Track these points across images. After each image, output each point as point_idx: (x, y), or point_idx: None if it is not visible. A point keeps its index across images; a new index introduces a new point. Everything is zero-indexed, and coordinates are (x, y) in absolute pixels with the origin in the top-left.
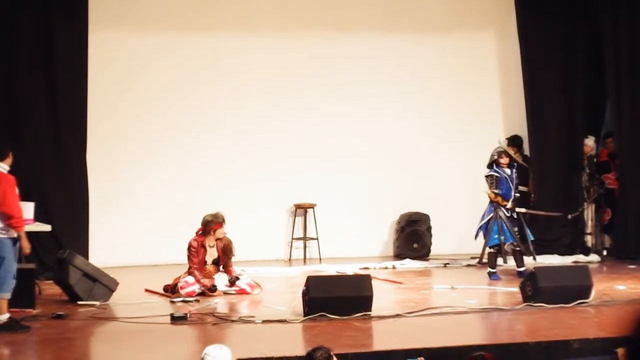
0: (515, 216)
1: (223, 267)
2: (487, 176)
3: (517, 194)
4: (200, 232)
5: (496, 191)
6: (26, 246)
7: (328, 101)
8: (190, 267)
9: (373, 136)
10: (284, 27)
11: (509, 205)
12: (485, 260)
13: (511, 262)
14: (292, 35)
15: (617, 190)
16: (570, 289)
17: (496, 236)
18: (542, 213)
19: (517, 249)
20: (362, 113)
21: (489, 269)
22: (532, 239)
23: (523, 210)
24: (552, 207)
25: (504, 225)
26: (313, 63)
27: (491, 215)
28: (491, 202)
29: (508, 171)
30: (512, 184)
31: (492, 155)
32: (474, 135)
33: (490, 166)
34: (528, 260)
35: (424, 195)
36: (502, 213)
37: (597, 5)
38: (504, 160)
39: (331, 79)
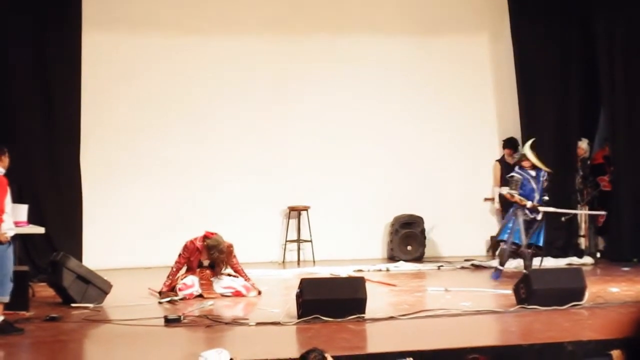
0: (539, 218)
1: (233, 270)
2: (509, 177)
3: (546, 197)
4: (204, 244)
5: (513, 192)
6: None
7: (322, 104)
8: (176, 263)
9: (367, 139)
10: (277, 30)
11: (529, 205)
12: (496, 254)
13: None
14: (287, 39)
15: (612, 192)
16: (564, 291)
17: (508, 232)
18: (564, 211)
19: (528, 250)
20: (356, 116)
21: (497, 265)
22: (532, 242)
23: (551, 209)
24: None
25: (518, 225)
26: (308, 66)
27: (511, 213)
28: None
29: (533, 172)
30: (537, 185)
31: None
32: (468, 138)
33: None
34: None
35: (418, 197)
36: (521, 213)
37: (591, 8)
38: (526, 163)
39: (325, 82)
